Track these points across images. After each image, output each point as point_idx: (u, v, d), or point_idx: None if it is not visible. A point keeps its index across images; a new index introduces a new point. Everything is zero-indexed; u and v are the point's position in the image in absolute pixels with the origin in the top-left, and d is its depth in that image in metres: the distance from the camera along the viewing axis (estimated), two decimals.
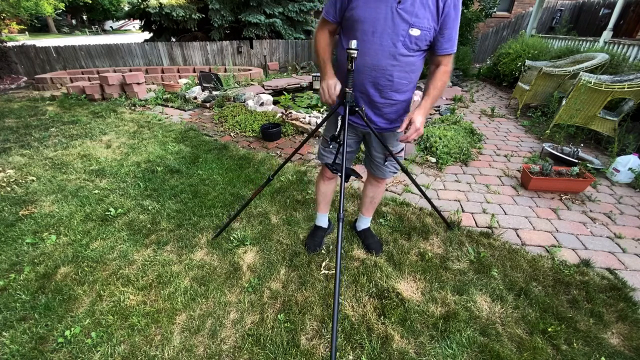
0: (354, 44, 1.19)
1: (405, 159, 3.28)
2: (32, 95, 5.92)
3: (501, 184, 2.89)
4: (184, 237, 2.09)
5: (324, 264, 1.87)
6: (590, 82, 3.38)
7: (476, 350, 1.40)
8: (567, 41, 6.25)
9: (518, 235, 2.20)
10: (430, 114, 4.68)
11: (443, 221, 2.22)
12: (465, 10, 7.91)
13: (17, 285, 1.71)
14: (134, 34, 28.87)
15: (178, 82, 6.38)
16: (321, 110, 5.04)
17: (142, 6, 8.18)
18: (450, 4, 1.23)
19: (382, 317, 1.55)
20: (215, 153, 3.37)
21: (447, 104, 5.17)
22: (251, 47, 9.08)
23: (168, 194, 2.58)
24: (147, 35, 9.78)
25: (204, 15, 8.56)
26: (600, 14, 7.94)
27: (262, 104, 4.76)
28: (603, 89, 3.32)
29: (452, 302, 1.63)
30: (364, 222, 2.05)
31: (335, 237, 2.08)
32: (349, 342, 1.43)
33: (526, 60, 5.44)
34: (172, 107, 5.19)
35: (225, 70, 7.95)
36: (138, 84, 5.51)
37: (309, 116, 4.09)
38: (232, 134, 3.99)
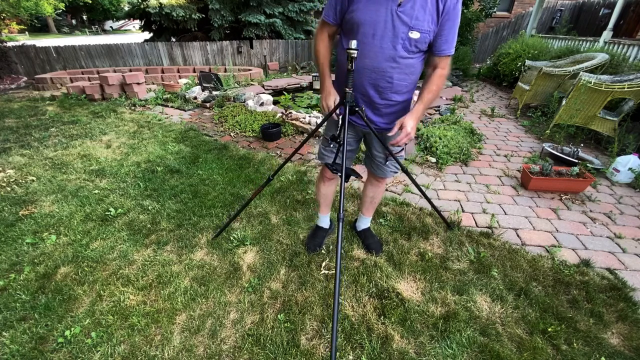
0: (353, 44, 1.19)
1: (405, 159, 3.28)
2: (32, 95, 5.92)
3: (501, 184, 2.89)
4: (184, 237, 2.09)
5: (324, 264, 1.87)
6: (590, 82, 3.39)
7: (476, 350, 1.40)
8: (567, 41, 6.25)
9: (518, 235, 2.20)
10: (430, 114, 4.69)
11: (443, 221, 2.22)
12: (465, 10, 7.91)
13: (17, 285, 1.71)
14: (134, 34, 28.88)
15: (178, 82, 6.38)
16: (321, 110, 5.03)
17: (142, 6, 8.18)
18: (450, 5, 1.23)
19: (382, 317, 1.55)
20: (215, 153, 3.37)
21: (447, 104, 5.17)
22: (251, 47, 9.08)
23: (168, 194, 2.58)
24: (147, 35, 9.78)
25: (204, 15, 8.56)
26: (600, 14, 7.94)
27: (262, 104, 4.76)
28: (603, 89, 3.32)
29: (452, 302, 1.63)
30: (364, 222, 2.05)
31: (335, 237, 2.08)
32: (349, 342, 1.43)
33: (526, 60, 5.44)
34: (172, 107, 5.19)
35: (225, 70, 7.95)
36: (138, 84, 5.51)
37: (309, 116, 4.09)
38: (232, 134, 3.99)
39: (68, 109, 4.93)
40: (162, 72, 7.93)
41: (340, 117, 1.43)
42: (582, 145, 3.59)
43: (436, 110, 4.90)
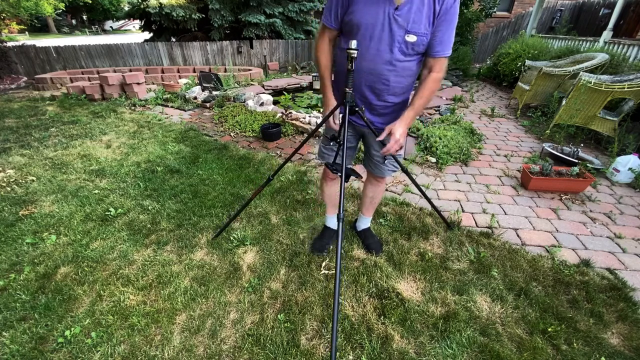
0: (353, 44, 1.19)
1: (405, 159, 3.29)
2: (32, 95, 5.92)
3: (501, 184, 2.89)
4: (184, 237, 2.09)
5: (324, 264, 1.87)
6: (590, 82, 3.39)
7: (476, 350, 1.40)
8: (567, 41, 6.25)
9: (518, 235, 2.20)
10: (430, 114, 4.68)
11: (443, 221, 2.22)
12: (465, 10, 7.91)
13: (17, 285, 1.71)
14: (134, 34, 28.87)
15: (178, 82, 6.38)
16: (321, 110, 5.04)
17: (142, 6, 8.18)
18: (447, 6, 1.22)
19: (382, 317, 1.55)
20: (215, 153, 3.37)
21: (447, 104, 5.17)
22: (251, 47, 9.08)
23: (168, 194, 2.58)
24: (147, 35, 9.78)
25: (204, 15, 8.56)
26: (600, 14, 7.94)
27: (262, 104, 4.76)
28: (603, 89, 3.32)
29: (452, 302, 1.63)
30: (364, 222, 2.05)
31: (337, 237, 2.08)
32: (349, 342, 1.43)
33: (526, 60, 5.44)
34: (172, 107, 5.19)
35: (225, 70, 7.95)
36: (138, 84, 5.51)
37: (309, 116, 4.09)
38: (232, 134, 3.99)
39: (68, 109, 4.93)
40: (162, 72, 7.93)
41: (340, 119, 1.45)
42: (582, 145, 3.59)
43: (436, 110, 4.90)
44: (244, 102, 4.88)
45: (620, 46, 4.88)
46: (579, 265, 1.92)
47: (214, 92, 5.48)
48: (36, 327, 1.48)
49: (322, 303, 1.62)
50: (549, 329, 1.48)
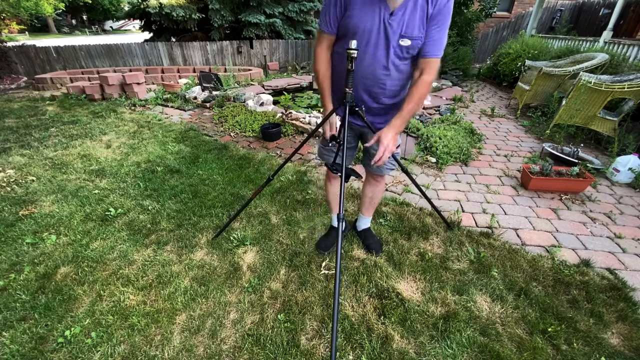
0: (353, 44, 1.19)
1: (405, 158, 3.29)
2: (32, 95, 5.92)
3: (501, 184, 2.89)
4: (184, 237, 2.09)
5: (324, 264, 1.87)
6: (590, 82, 3.39)
7: (476, 350, 1.40)
8: (567, 41, 6.25)
9: (518, 235, 2.20)
10: (430, 114, 4.68)
11: (443, 221, 2.22)
12: (465, 10, 7.92)
13: (17, 285, 1.71)
14: (134, 34, 28.87)
15: (178, 82, 6.38)
16: (321, 110, 5.03)
17: (142, 6, 8.18)
18: (440, 7, 1.21)
19: (382, 317, 1.55)
20: (215, 153, 3.37)
21: (447, 104, 5.17)
22: (251, 47, 9.08)
23: (168, 194, 2.58)
24: (147, 35, 9.78)
25: (204, 15, 8.56)
26: (600, 14, 7.94)
27: (262, 104, 4.76)
28: (603, 89, 3.32)
29: (452, 302, 1.63)
30: (364, 222, 2.05)
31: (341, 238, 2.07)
32: (349, 342, 1.43)
33: (526, 60, 5.44)
34: (172, 107, 5.19)
35: (225, 70, 7.95)
36: (138, 84, 5.51)
37: (309, 116, 4.09)
38: (232, 134, 3.99)
39: (68, 109, 4.93)
40: (162, 72, 7.93)
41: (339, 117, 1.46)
42: (582, 145, 3.59)
43: (436, 110, 4.90)
44: (244, 102, 4.88)
45: (620, 46, 4.88)
46: (579, 265, 1.92)
47: (214, 92, 5.48)
48: (36, 327, 1.48)
49: (322, 303, 1.62)
50: (549, 329, 1.48)
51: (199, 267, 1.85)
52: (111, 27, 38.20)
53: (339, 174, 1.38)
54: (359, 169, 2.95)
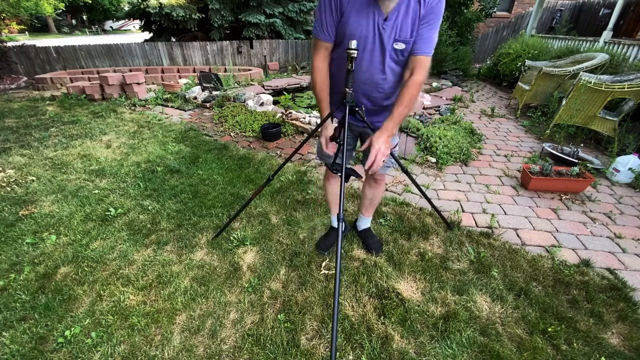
0: (353, 44, 1.19)
1: (405, 158, 3.29)
2: (32, 95, 5.92)
3: (501, 184, 2.89)
4: (184, 237, 2.09)
5: (324, 264, 1.87)
6: (590, 82, 3.39)
7: (476, 350, 1.40)
8: (567, 41, 6.25)
9: (518, 235, 2.20)
10: (430, 114, 4.68)
11: (443, 221, 2.22)
12: (465, 10, 7.92)
13: (17, 285, 1.71)
14: (134, 34, 28.87)
15: (178, 82, 6.38)
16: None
17: (142, 6, 8.18)
18: (431, 6, 1.21)
19: (382, 317, 1.55)
20: (215, 153, 3.37)
21: (447, 104, 5.17)
22: (251, 47, 9.08)
23: (168, 194, 2.58)
24: (147, 35, 9.78)
25: (204, 15, 8.56)
26: (600, 14, 7.94)
27: (262, 104, 4.76)
28: (603, 89, 3.32)
29: (452, 302, 1.63)
30: (364, 222, 2.05)
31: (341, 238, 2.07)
32: (349, 342, 1.43)
33: (526, 60, 5.44)
34: (172, 107, 5.19)
35: (225, 70, 7.95)
36: (138, 84, 5.51)
37: (309, 116, 4.09)
38: (232, 134, 3.99)
39: (68, 109, 4.93)
40: (162, 72, 7.93)
41: (337, 119, 1.47)
42: (582, 145, 3.59)
43: (436, 110, 4.90)
44: (244, 102, 4.88)
45: (620, 46, 4.88)
46: (579, 265, 1.92)
47: (214, 92, 5.48)
48: (36, 327, 1.48)
49: (322, 303, 1.62)
50: (549, 329, 1.48)
51: (199, 267, 1.85)
52: (111, 27, 38.19)
53: (339, 174, 1.38)
54: (359, 169, 2.95)
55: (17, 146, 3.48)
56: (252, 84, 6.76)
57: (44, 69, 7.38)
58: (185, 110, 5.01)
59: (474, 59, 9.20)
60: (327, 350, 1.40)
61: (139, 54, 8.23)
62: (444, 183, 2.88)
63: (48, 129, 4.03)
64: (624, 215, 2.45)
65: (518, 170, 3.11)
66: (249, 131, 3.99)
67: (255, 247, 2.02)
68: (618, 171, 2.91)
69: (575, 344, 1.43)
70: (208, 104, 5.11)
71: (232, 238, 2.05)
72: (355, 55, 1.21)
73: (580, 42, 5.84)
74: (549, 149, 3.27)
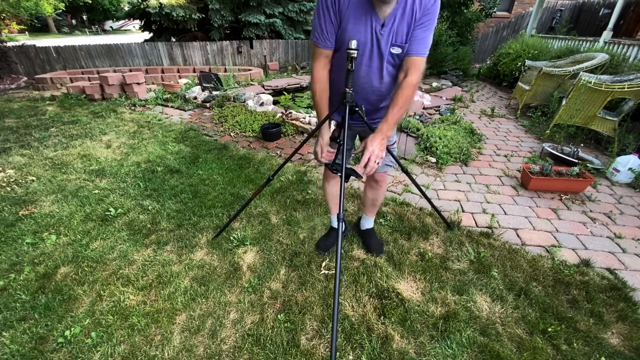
0: (353, 44, 1.19)
1: (405, 158, 3.29)
2: (32, 95, 5.92)
3: (501, 184, 2.89)
4: (184, 237, 2.09)
5: (324, 264, 1.87)
6: (590, 82, 3.38)
7: (476, 350, 1.40)
8: (567, 41, 6.25)
9: (518, 235, 2.20)
10: (430, 114, 4.68)
11: (443, 221, 2.22)
12: (465, 10, 7.92)
13: (17, 285, 1.71)
14: (134, 34, 28.87)
15: (178, 82, 6.38)
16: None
17: (142, 6, 8.18)
18: (427, 8, 1.21)
19: (382, 317, 1.55)
20: (215, 153, 3.37)
21: (447, 104, 5.17)
22: (251, 47, 9.08)
23: (168, 194, 2.58)
24: (147, 35, 9.78)
25: (204, 15, 8.56)
26: (600, 14, 7.94)
27: (262, 104, 4.76)
28: (603, 89, 3.32)
29: (452, 302, 1.63)
30: (368, 222, 2.04)
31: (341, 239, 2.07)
32: (349, 342, 1.43)
33: (526, 60, 5.44)
34: (172, 107, 5.19)
35: (225, 70, 7.95)
36: (138, 84, 5.51)
37: (309, 116, 4.09)
38: (232, 134, 3.99)
39: (68, 109, 4.93)
40: (162, 72, 7.93)
41: (334, 121, 1.48)
42: (582, 145, 3.59)
43: (436, 110, 4.90)
44: (244, 102, 4.88)
45: (620, 46, 4.88)
46: (579, 265, 1.92)
47: (214, 92, 5.48)
48: (36, 327, 1.48)
49: (322, 303, 1.62)
50: (549, 329, 1.48)
51: (199, 267, 1.85)
52: (111, 27, 38.19)
53: (339, 174, 1.38)
54: (359, 169, 2.94)
55: (17, 146, 3.49)
56: (252, 84, 6.76)
57: (44, 69, 7.38)
58: (185, 110, 5.01)
59: (474, 59, 9.20)
60: (327, 350, 1.40)
61: (139, 54, 8.23)
62: (444, 183, 2.88)
63: (48, 129, 4.03)
64: (624, 215, 2.45)
65: (518, 170, 3.11)
66: (249, 131, 3.99)
67: (255, 247, 2.02)
68: (618, 171, 2.91)
69: (575, 344, 1.43)
70: (208, 104, 5.11)
71: (232, 238, 2.05)
72: (355, 55, 1.21)
73: (580, 42, 5.84)
74: (549, 149, 3.27)
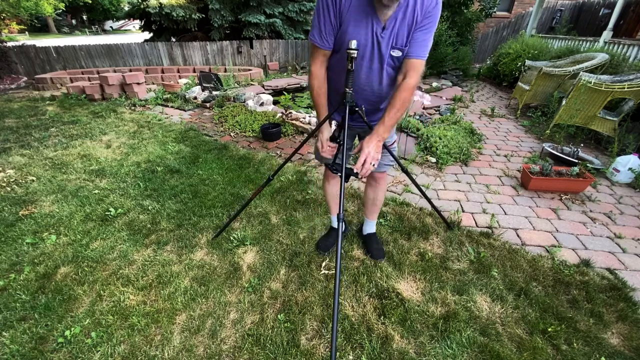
0: (353, 44, 1.19)
1: (405, 158, 3.29)
2: (32, 95, 5.92)
3: (501, 184, 2.89)
4: (184, 237, 2.09)
5: (324, 264, 1.87)
6: (590, 82, 3.38)
7: (476, 350, 1.40)
8: (567, 41, 6.25)
9: (518, 235, 2.20)
10: (430, 114, 4.68)
11: (443, 221, 2.22)
12: (465, 10, 7.92)
13: (17, 285, 1.71)
14: (134, 34, 28.87)
15: (178, 82, 6.38)
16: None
17: (142, 6, 8.18)
18: (428, 10, 1.20)
19: (382, 317, 1.55)
20: (215, 153, 3.37)
21: (447, 104, 5.17)
22: (251, 47, 9.08)
23: (168, 194, 2.58)
24: (147, 35, 9.78)
25: (204, 15, 8.56)
26: (600, 14, 7.94)
27: (262, 104, 4.76)
28: (603, 89, 3.32)
29: (452, 302, 1.63)
30: (370, 226, 2.03)
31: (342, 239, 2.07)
32: (349, 342, 1.43)
33: (526, 60, 5.44)
34: (172, 107, 5.19)
35: (225, 70, 7.95)
36: (138, 84, 5.51)
37: (309, 116, 4.09)
38: (232, 134, 3.99)
39: (68, 109, 4.93)
40: (162, 72, 7.93)
41: (335, 121, 1.48)
42: (582, 145, 3.59)
43: (436, 110, 4.90)
44: (244, 102, 4.88)
45: (620, 46, 4.88)
46: (579, 265, 1.92)
47: (214, 92, 5.48)
48: (36, 327, 1.48)
49: (322, 303, 1.62)
50: (549, 329, 1.48)
51: (199, 267, 1.85)
52: (111, 27, 38.20)
53: (339, 174, 1.38)
54: None
55: (17, 146, 3.49)
56: (252, 84, 6.77)
57: (44, 69, 7.38)
58: (185, 110, 5.01)
59: (474, 59, 9.20)
60: (327, 350, 1.40)
61: (139, 54, 8.23)
62: (444, 183, 2.88)
63: (48, 129, 4.03)
64: (624, 215, 2.45)
65: (518, 170, 3.11)
66: (249, 131, 3.99)
67: (255, 247, 2.02)
68: (618, 171, 2.91)
69: (575, 344, 1.43)
70: (208, 104, 5.11)
71: (232, 238, 2.05)
72: (355, 55, 1.21)
73: (580, 42, 5.84)
74: (549, 149, 3.27)
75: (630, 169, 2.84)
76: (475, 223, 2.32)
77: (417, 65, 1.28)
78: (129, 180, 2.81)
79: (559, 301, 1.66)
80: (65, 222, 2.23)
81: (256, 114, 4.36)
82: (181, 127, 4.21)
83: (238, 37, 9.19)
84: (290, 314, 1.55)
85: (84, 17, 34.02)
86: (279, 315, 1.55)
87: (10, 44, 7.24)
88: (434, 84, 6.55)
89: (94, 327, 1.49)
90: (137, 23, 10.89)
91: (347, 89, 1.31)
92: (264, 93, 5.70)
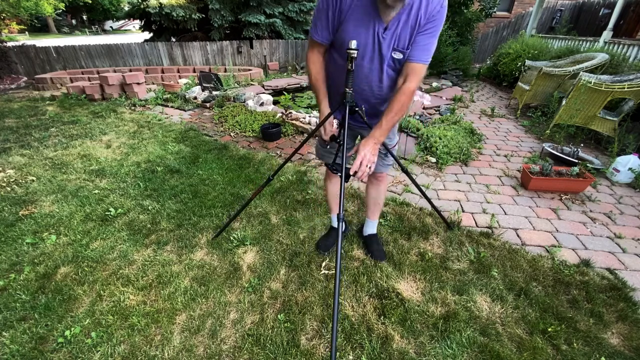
0: (353, 44, 1.18)
1: (405, 158, 3.29)
2: (32, 95, 5.92)
3: (501, 184, 2.89)
4: (184, 237, 2.09)
5: (324, 264, 1.87)
6: (590, 82, 3.39)
7: (476, 350, 1.40)
8: (567, 41, 6.25)
9: (518, 235, 2.20)
10: (430, 114, 4.68)
11: (443, 221, 2.22)
12: (465, 10, 7.92)
13: (17, 285, 1.71)
14: (134, 34, 28.87)
15: (178, 82, 6.38)
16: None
17: (142, 6, 8.18)
18: (432, 14, 1.20)
19: (382, 317, 1.55)
20: (215, 153, 3.37)
21: (447, 104, 5.17)
22: (251, 47, 9.08)
23: (168, 194, 2.58)
24: (147, 35, 9.78)
25: (204, 15, 8.56)
26: (600, 14, 7.94)
27: (262, 104, 4.76)
28: (603, 89, 3.32)
29: (452, 302, 1.63)
30: (371, 227, 2.02)
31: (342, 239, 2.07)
32: (349, 342, 1.43)
33: (526, 60, 5.44)
34: (172, 107, 5.19)
35: (225, 70, 7.95)
36: (138, 84, 5.51)
37: (309, 116, 4.09)
38: (232, 134, 3.99)
39: (68, 109, 4.93)
40: (162, 72, 7.93)
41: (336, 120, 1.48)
42: (582, 145, 3.59)
43: (436, 110, 4.90)
44: (244, 102, 4.88)
45: (620, 46, 4.88)
46: (579, 265, 1.92)
47: (214, 92, 5.48)
48: (36, 327, 1.48)
49: (322, 303, 1.62)
50: (549, 329, 1.48)
51: (199, 267, 1.85)
52: (111, 27, 38.20)
53: (339, 173, 1.38)
54: None
55: (17, 146, 3.48)
56: (252, 84, 6.77)
57: (44, 69, 7.38)
58: (185, 110, 5.01)
59: (474, 59, 9.20)
60: (327, 350, 1.40)
61: (139, 54, 8.23)
62: (444, 183, 2.88)
63: (48, 129, 4.03)
64: (624, 215, 2.45)
65: (518, 170, 3.11)
66: (249, 131, 3.99)
67: (255, 247, 2.02)
68: (618, 171, 2.91)
69: (575, 344, 1.43)
70: (208, 104, 5.11)
71: (232, 238, 2.05)
72: (355, 55, 1.21)
73: (580, 42, 5.84)
74: (549, 149, 3.27)
75: (630, 169, 2.84)
76: (475, 223, 2.32)
77: (418, 70, 1.27)
78: (129, 180, 2.81)
79: (559, 301, 1.66)
80: (65, 222, 2.23)
81: (256, 114, 4.36)
82: (181, 127, 4.21)
83: (238, 37, 9.19)
84: (290, 314, 1.55)
85: (84, 17, 34.02)
86: (279, 315, 1.55)
87: (10, 44, 7.24)
88: (434, 84, 6.55)
89: (94, 327, 1.49)
90: (137, 23, 10.89)
91: (347, 89, 1.31)
92: (264, 93, 5.70)
